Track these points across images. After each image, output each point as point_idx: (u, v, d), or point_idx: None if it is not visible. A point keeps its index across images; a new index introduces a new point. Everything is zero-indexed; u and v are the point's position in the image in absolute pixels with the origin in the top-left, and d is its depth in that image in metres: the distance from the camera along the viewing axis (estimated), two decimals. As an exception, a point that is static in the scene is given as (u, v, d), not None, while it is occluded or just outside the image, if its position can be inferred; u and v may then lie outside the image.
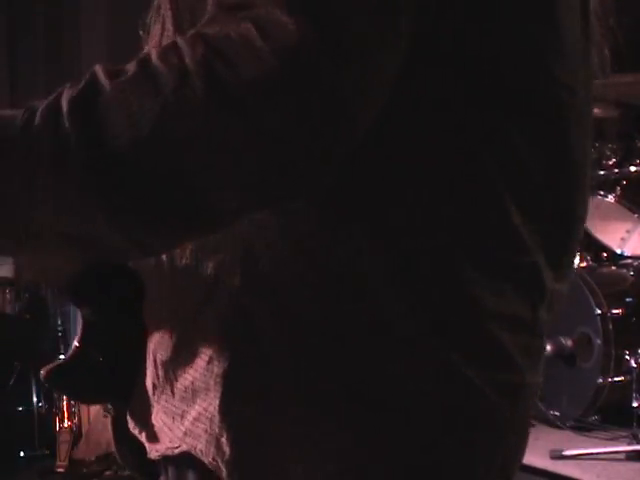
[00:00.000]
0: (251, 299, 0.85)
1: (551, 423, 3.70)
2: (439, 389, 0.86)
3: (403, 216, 0.84)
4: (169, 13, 0.87)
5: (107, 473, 4.20)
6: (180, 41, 0.73)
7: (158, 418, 0.95)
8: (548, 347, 3.71)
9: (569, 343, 3.72)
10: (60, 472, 4.28)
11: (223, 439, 0.86)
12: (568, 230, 0.95)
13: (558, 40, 0.88)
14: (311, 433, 0.86)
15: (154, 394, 0.95)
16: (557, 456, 3.26)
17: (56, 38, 5.86)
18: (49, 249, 0.80)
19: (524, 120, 0.86)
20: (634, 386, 3.42)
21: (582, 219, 0.97)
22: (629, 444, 3.31)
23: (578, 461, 3.24)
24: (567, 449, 3.29)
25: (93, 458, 4.34)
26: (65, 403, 4.44)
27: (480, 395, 0.87)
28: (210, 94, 0.71)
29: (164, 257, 0.91)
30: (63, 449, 4.33)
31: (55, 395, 4.48)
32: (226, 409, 0.86)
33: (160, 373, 0.94)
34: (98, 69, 0.75)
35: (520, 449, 0.97)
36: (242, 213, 0.78)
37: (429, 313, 0.84)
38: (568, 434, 3.60)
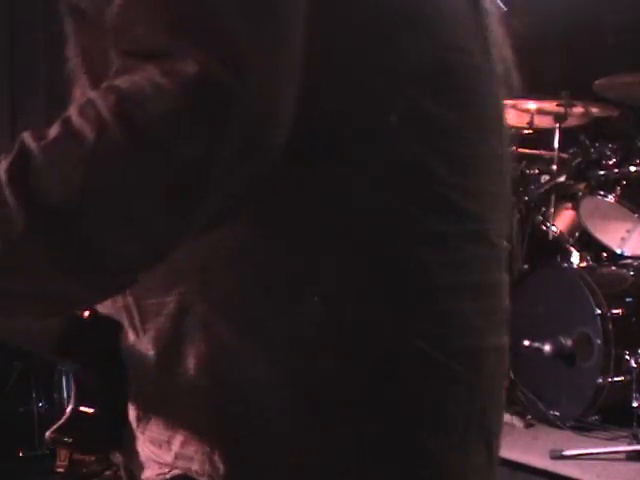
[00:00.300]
0: (219, 321, 0.89)
1: (551, 423, 3.71)
2: (420, 378, 0.90)
3: (362, 218, 0.88)
4: (84, 77, 0.93)
5: (107, 473, 4.20)
6: (94, 95, 0.79)
7: (145, 448, 0.97)
8: (548, 347, 3.72)
9: (569, 343, 3.72)
10: (60, 472, 4.28)
11: (216, 457, 0.90)
12: (499, 187, 1.00)
13: (438, 10, 0.94)
14: (299, 434, 0.89)
15: (138, 426, 0.98)
16: (557, 456, 3.27)
17: (56, 39, 5.86)
18: (10, 312, 0.86)
19: (431, 89, 0.92)
20: (634, 386, 3.42)
21: (506, 171, 1.03)
22: (629, 444, 3.32)
23: (578, 461, 3.25)
24: (567, 449, 3.29)
25: (93, 458, 4.34)
26: (66, 403, 4.43)
27: (450, 375, 0.91)
28: (128, 137, 0.77)
29: (130, 299, 0.96)
30: (63, 449, 4.33)
31: (55, 395, 4.49)
32: (214, 428, 0.90)
33: (143, 405, 0.97)
34: (26, 135, 0.80)
35: (495, 407, 1.01)
36: (181, 238, 0.83)
37: (396, 304, 0.89)
38: (568, 434, 3.60)
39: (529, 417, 3.83)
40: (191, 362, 0.91)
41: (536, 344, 3.78)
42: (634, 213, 3.89)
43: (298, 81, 0.81)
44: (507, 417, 3.85)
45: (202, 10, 0.77)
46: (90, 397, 1.02)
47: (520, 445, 3.52)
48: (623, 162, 3.93)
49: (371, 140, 0.88)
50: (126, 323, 0.97)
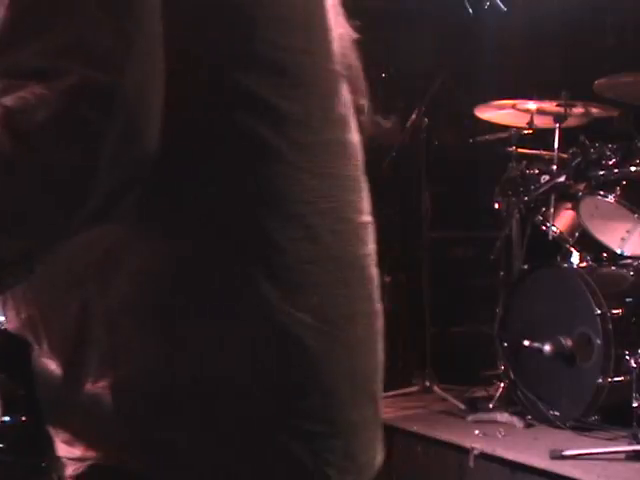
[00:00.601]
0: (119, 319, 0.98)
1: (551, 423, 3.71)
2: (307, 345, 1.00)
3: (223, 206, 0.99)
4: None
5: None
6: None
7: (61, 450, 1.04)
8: (548, 347, 3.72)
9: (569, 343, 3.72)
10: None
11: (123, 439, 0.99)
12: (350, 169, 1.11)
13: (279, 15, 1.04)
14: (201, 422, 0.99)
15: (53, 430, 1.05)
16: (557, 456, 3.26)
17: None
18: None
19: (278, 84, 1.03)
20: (634, 386, 3.42)
21: (357, 156, 1.14)
22: (629, 444, 3.32)
23: (578, 461, 3.24)
24: (567, 449, 3.29)
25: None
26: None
27: (332, 339, 1.03)
28: (15, 145, 0.85)
29: (33, 309, 1.03)
30: None
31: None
32: (120, 414, 0.99)
33: (53, 410, 1.04)
34: None
35: (375, 366, 1.12)
36: (67, 235, 0.92)
37: (273, 282, 0.99)
38: (568, 434, 3.60)
39: (529, 417, 3.83)
40: (95, 361, 0.99)
41: (536, 344, 3.78)
42: (634, 213, 3.88)
43: (163, 77, 0.92)
44: (507, 417, 3.86)
45: (75, 31, 0.87)
46: (18, 405, 1.06)
47: (520, 445, 3.52)
48: (623, 162, 3.92)
49: (223, 129, 0.99)
50: (31, 337, 1.04)
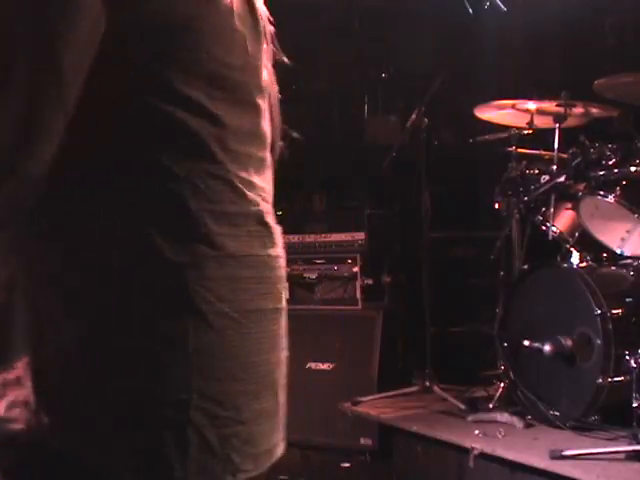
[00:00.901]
0: (40, 294, 1.06)
1: (551, 423, 3.71)
2: (223, 334, 1.09)
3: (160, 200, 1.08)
4: None
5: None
6: None
7: None
8: (548, 347, 3.71)
9: (569, 343, 3.72)
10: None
11: (41, 414, 1.04)
12: (267, 182, 1.25)
13: (213, 29, 1.13)
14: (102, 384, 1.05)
15: None
16: (557, 456, 3.26)
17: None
18: None
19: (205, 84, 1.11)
20: (634, 386, 3.41)
21: (271, 168, 1.28)
22: (629, 444, 3.31)
23: (578, 461, 3.24)
24: (567, 449, 3.29)
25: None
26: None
27: (245, 331, 1.12)
28: None
29: None
30: None
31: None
32: (38, 391, 1.04)
33: None
34: None
35: (279, 361, 1.22)
36: None
37: (196, 272, 1.08)
38: (568, 434, 3.60)
39: (529, 417, 3.83)
40: (19, 342, 1.05)
41: (536, 344, 3.78)
42: (634, 213, 3.88)
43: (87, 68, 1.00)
44: (507, 417, 3.85)
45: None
46: None
47: (520, 445, 3.52)
48: (623, 162, 3.92)
49: (164, 128, 1.07)
50: None
